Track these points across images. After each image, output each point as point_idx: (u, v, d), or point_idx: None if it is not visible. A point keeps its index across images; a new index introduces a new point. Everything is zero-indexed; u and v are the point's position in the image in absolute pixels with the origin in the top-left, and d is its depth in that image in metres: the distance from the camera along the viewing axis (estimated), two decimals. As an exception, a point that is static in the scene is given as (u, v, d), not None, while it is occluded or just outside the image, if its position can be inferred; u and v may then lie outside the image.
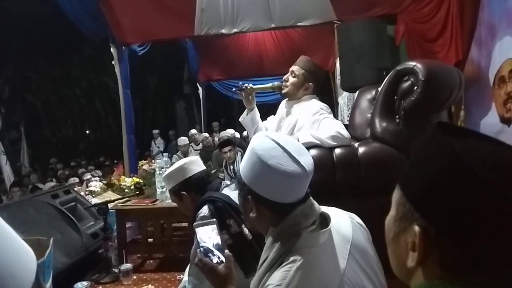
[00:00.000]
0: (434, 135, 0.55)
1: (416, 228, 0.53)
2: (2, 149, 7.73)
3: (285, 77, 2.33)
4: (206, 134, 6.93)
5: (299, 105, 2.30)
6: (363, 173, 2.16)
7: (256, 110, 2.35)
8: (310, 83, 2.29)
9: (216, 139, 7.00)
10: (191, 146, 6.99)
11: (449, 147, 0.51)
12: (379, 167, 2.13)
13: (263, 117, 2.50)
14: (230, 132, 6.82)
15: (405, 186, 0.58)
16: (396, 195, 0.60)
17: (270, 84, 2.38)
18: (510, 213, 0.47)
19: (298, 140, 1.99)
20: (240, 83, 2.35)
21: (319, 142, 2.12)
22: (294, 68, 2.31)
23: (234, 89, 2.33)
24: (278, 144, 1.03)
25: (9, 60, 13.20)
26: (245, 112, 2.41)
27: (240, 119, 2.49)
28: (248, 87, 2.30)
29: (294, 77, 2.30)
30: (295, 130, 2.25)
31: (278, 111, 2.48)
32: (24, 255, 0.43)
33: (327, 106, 2.32)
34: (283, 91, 2.32)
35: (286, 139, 1.07)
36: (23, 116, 13.65)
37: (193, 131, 7.40)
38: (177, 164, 2.01)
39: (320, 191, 1.21)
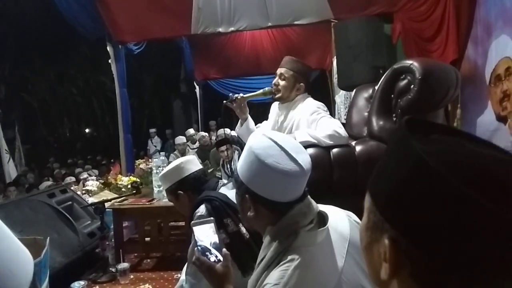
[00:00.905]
0: (400, 137, 0.51)
1: (386, 240, 0.50)
2: (6, 147, 7.68)
3: (274, 81, 2.28)
4: (203, 133, 6.93)
5: (294, 107, 2.28)
6: (360, 171, 2.16)
7: (249, 119, 2.30)
8: (301, 83, 2.26)
9: (213, 137, 6.99)
10: (188, 145, 6.98)
11: (414, 151, 0.47)
12: (376, 165, 2.14)
13: (261, 116, 2.47)
14: (227, 130, 6.80)
15: (374, 193, 0.55)
16: (366, 201, 0.57)
17: (261, 91, 2.32)
18: (481, 221, 0.44)
19: (295, 139, 1.99)
20: (230, 94, 2.28)
21: (316, 141, 2.11)
22: (282, 70, 2.26)
23: (225, 101, 2.26)
24: (276, 142, 1.03)
25: (5, 60, 13.13)
26: (239, 123, 2.36)
27: (235, 131, 2.45)
28: (239, 97, 2.24)
29: (283, 79, 2.26)
30: (293, 130, 2.23)
31: (270, 115, 2.44)
32: (21, 256, 0.43)
33: (323, 105, 2.30)
34: (276, 96, 2.28)
35: (283, 138, 1.07)
36: (20, 116, 13.59)
37: (191, 131, 7.38)
38: (174, 164, 2.01)
39: (317, 190, 1.21)
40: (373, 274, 0.57)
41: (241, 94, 2.28)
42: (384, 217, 0.51)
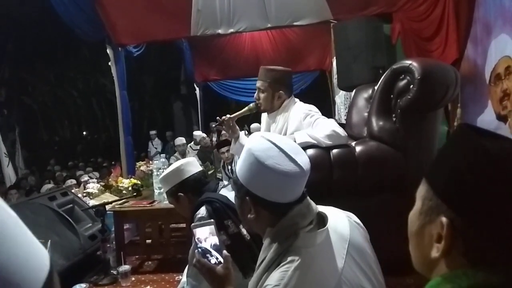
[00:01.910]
0: (461, 133, 0.59)
1: (444, 219, 0.56)
2: (5, 151, 7.69)
3: (255, 96, 2.33)
4: (204, 134, 6.93)
5: (284, 113, 2.29)
6: (360, 172, 2.16)
7: (242, 135, 2.33)
8: (280, 91, 2.27)
9: (214, 139, 6.97)
10: (191, 146, 6.98)
11: (477, 142, 0.55)
12: (376, 166, 2.14)
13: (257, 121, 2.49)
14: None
15: (433, 180, 0.61)
16: (421, 190, 0.63)
17: (246, 108, 2.36)
18: None
19: (295, 141, 1.99)
20: (217, 117, 2.30)
21: (316, 142, 2.12)
22: (259, 84, 2.30)
23: (213, 126, 2.31)
24: (275, 144, 1.03)
25: (5, 62, 13.15)
26: (232, 142, 2.38)
27: (230, 151, 2.47)
28: (226, 118, 2.27)
29: (262, 92, 2.29)
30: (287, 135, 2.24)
31: (262, 124, 2.47)
32: (38, 250, 0.44)
33: (313, 106, 2.30)
34: (261, 109, 2.32)
35: (281, 139, 1.07)
36: (20, 118, 13.61)
37: (200, 133, 7.25)
38: (174, 166, 2.01)
39: (317, 190, 1.22)
40: (420, 256, 0.62)
41: (228, 115, 2.30)
42: (442, 199, 0.57)
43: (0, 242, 0.38)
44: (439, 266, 0.57)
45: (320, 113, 2.26)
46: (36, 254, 0.43)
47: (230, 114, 2.33)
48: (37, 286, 0.40)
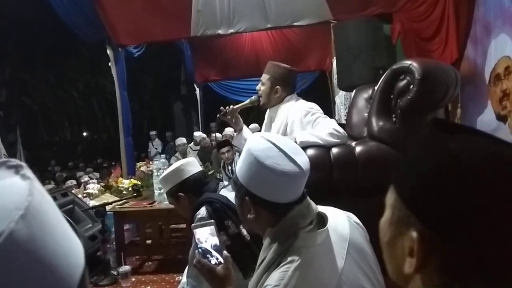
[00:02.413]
0: (429, 134, 0.53)
1: (414, 233, 0.51)
2: (4, 152, 7.68)
3: (257, 87, 2.37)
4: (204, 135, 6.93)
5: (284, 108, 2.30)
6: (360, 172, 2.16)
7: (245, 128, 2.35)
8: (277, 86, 2.29)
9: (215, 135, 6.96)
10: (190, 146, 6.98)
11: (445, 146, 0.49)
12: (376, 166, 2.14)
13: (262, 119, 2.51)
14: (228, 131, 6.81)
15: (401, 188, 0.55)
16: (390, 197, 0.57)
17: (248, 100, 2.39)
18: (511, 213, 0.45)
19: (296, 141, 1.99)
20: (221, 107, 2.33)
21: (319, 141, 2.12)
22: (262, 76, 2.35)
23: (218, 115, 2.32)
24: (274, 144, 1.03)
25: (5, 63, 13.16)
26: (236, 134, 2.40)
27: (233, 142, 2.48)
28: (229, 109, 2.30)
29: (262, 85, 2.33)
30: (288, 133, 2.24)
31: (265, 121, 2.49)
32: (76, 244, 0.45)
33: (315, 104, 2.31)
34: (261, 103, 2.35)
35: (281, 139, 1.07)
36: (20, 119, 13.61)
37: (200, 133, 7.25)
38: (174, 166, 2.01)
39: (317, 191, 1.22)
40: (395, 269, 0.57)
41: (231, 106, 2.33)
42: (412, 211, 0.51)
43: (43, 238, 0.38)
44: (414, 280, 0.53)
45: (321, 111, 2.26)
46: (75, 250, 0.43)
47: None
48: (74, 284, 0.41)
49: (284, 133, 2.25)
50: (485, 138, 0.53)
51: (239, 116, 2.34)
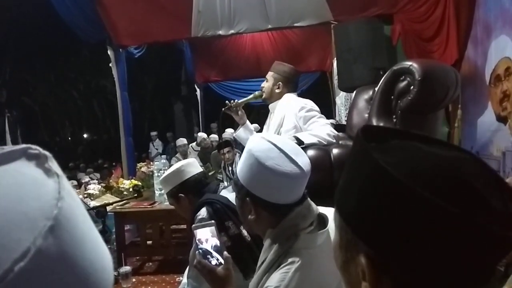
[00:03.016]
0: (359, 149, 0.50)
1: (362, 259, 0.49)
2: None
3: (262, 84, 2.48)
4: (204, 135, 6.93)
5: (282, 103, 2.38)
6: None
7: (248, 123, 2.43)
8: (279, 82, 2.40)
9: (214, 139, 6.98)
10: (191, 147, 6.98)
11: (376, 163, 0.45)
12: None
13: (263, 118, 2.56)
14: (229, 132, 6.82)
15: (342, 209, 0.53)
16: (336, 218, 0.55)
17: (252, 95, 2.49)
18: (451, 228, 0.43)
19: (296, 143, 2.00)
20: (226, 101, 2.42)
21: (321, 140, 2.16)
22: (267, 74, 2.46)
23: (223, 109, 2.40)
24: (275, 145, 1.03)
25: (6, 63, 13.17)
26: (238, 128, 2.46)
27: (234, 134, 2.57)
28: (234, 103, 2.38)
29: (266, 81, 2.45)
30: (283, 127, 2.30)
31: (267, 121, 2.55)
32: (106, 251, 0.39)
33: (310, 101, 2.38)
34: (263, 97, 2.45)
35: (282, 140, 1.07)
36: (21, 119, 13.63)
37: (202, 134, 7.25)
38: (174, 167, 2.02)
39: (317, 192, 1.22)
40: None
41: (236, 100, 2.42)
42: (357, 234, 0.49)
43: (75, 253, 0.32)
44: None
45: (317, 109, 2.33)
46: (106, 261, 0.38)
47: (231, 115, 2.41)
48: None
49: (280, 127, 2.32)
50: (417, 140, 0.51)
51: (243, 111, 2.43)
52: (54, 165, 0.34)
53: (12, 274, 0.27)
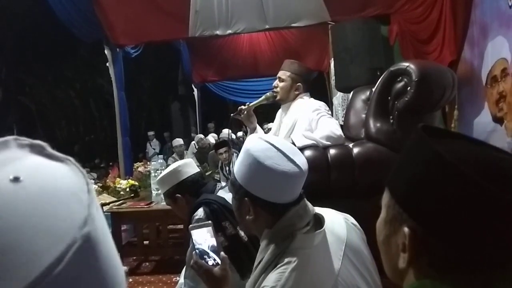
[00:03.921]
0: (417, 138, 0.56)
1: (405, 229, 0.54)
2: None
3: (274, 83, 2.38)
4: (201, 135, 6.92)
5: (296, 105, 2.34)
6: (357, 173, 2.17)
7: (259, 127, 2.37)
8: (299, 83, 2.34)
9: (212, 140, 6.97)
10: (194, 145, 6.96)
11: (432, 148, 0.52)
12: (373, 167, 2.14)
13: (269, 117, 2.53)
14: (225, 132, 6.80)
15: (393, 188, 0.59)
16: (385, 197, 0.61)
17: (263, 97, 2.41)
18: (495, 210, 0.48)
19: (293, 143, 2.00)
20: (239, 107, 2.34)
21: (314, 142, 2.14)
22: (280, 73, 2.36)
23: (232, 114, 2.35)
24: (273, 145, 1.04)
25: (2, 63, 13.11)
26: (249, 133, 2.39)
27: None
28: (245, 107, 2.31)
29: (282, 81, 2.35)
30: (295, 129, 2.27)
31: (276, 117, 2.51)
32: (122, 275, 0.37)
33: (325, 104, 2.36)
34: (277, 98, 2.36)
35: (279, 140, 1.08)
36: (17, 119, 13.57)
37: (201, 135, 7.22)
38: (171, 167, 2.02)
39: (314, 192, 1.22)
40: (390, 266, 0.61)
41: (248, 103, 2.35)
42: (403, 208, 0.55)
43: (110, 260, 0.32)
44: (408, 276, 0.56)
45: (329, 112, 2.32)
46: (122, 281, 0.36)
47: (229, 114, 2.36)
48: None
49: (293, 129, 2.28)
50: (468, 141, 0.57)
51: (254, 115, 2.35)
52: (72, 161, 0.34)
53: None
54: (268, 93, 2.41)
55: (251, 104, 2.35)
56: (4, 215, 0.27)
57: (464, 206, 0.49)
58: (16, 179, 0.29)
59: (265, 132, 2.63)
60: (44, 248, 0.27)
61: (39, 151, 0.34)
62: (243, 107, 2.32)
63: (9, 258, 0.26)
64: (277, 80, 2.37)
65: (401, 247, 0.55)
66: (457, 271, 0.51)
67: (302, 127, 2.23)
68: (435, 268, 0.53)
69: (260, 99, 2.42)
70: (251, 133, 2.36)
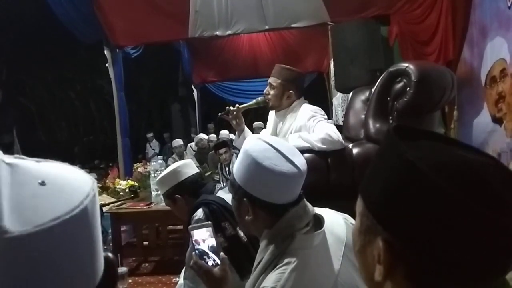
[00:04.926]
0: (390, 143, 0.54)
1: (380, 242, 0.52)
2: (1, 153, 7.66)
3: (265, 90, 2.33)
4: (201, 136, 6.92)
5: (292, 114, 2.29)
6: (357, 174, 2.16)
7: (246, 129, 2.32)
8: (290, 91, 2.27)
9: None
10: (190, 147, 6.96)
11: (403, 156, 0.49)
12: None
13: (260, 120, 2.51)
14: (225, 133, 6.82)
15: (366, 197, 0.56)
16: (359, 206, 0.59)
17: (254, 101, 2.37)
18: (469, 221, 0.46)
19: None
20: (227, 107, 2.30)
21: (309, 144, 2.10)
22: (271, 80, 2.30)
23: (220, 114, 2.30)
24: (271, 145, 1.04)
25: (2, 64, 13.12)
26: (236, 134, 2.37)
27: (234, 144, 2.44)
28: (234, 108, 2.27)
29: (273, 89, 2.29)
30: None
31: (268, 123, 2.45)
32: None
33: (320, 109, 2.30)
34: (269, 105, 2.32)
35: (278, 141, 1.09)
36: (17, 120, 13.57)
37: (201, 135, 7.21)
38: (170, 168, 2.02)
39: (314, 193, 1.22)
40: (367, 277, 0.58)
41: (237, 105, 2.31)
42: (377, 220, 0.52)
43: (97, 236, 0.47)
44: None
45: (325, 116, 2.25)
46: (95, 271, 0.49)
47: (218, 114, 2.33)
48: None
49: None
50: (443, 142, 0.54)
51: (242, 117, 2.31)
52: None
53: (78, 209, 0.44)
54: (259, 98, 2.35)
55: (241, 106, 2.31)
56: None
57: (439, 218, 0.47)
58: (43, 183, 0.44)
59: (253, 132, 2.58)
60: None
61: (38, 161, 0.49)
62: (231, 108, 2.28)
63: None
64: (268, 87, 2.32)
65: (376, 258, 0.53)
66: (434, 284, 0.49)
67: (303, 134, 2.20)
68: (412, 281, 0.50)
69: (251, 102, 2.38)
70: (239, 135, 2.33)
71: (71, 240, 0.43)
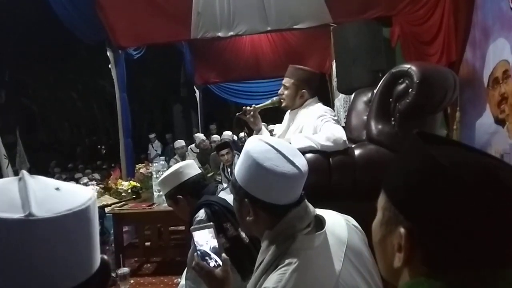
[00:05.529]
0: (413, 143, 0.60)
1: (402, 229, 0.57)
2: (4, 152, 7.67)
3: (279, 91, 2.40)
4: (203, 137, 6.93)
5: (304, 111, 2.33)
6: (358, 175, 2.16)
7: (263, 129, 2.38)
8: (303, 90, 2.33)
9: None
10: (190, 148, 6.97)
11: (426, 152, 0.56)
12: (375, 169, 2.13)
13: (272, 120, 2.52)
14: (227, 134, 6.82)
15: (389, 191, 0.62)
16: (381, 200, 0.65)
17: (269, 101, 2.44)
18: (485, 210, 0.51)
19: (291, 143, 1.99)
20: (243, 107, 2.37)
21: (313, 144, 2.10)
22: (285, 80, 2.37)
23: (237, 114, 2.37)
24: (272, 146, 1.04)
25: (5, 65, 13.17)
26: (254, 134, 2.40)
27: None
28: (251, 108, 2.33)
29: (286, 89, 2.36)
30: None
31: (284, 121, 2.51)
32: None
33: (331, 110, 2.35)
34: (282, 105, 2.38)
35: (279, 142, 1.09)
36: (20, 120, 13.62)
37: (201, 135, 7.21)
38: (172, 168, 2.02)
39: (315, 194, 1.22)
40: (385, 265, 0.64)
41: (253, 105, 2.37)
42: (399, 210, 0.58)
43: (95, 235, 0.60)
44: (403, 275, 0.59)
45: (335, 118, 2.28)
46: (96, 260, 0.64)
47: (230, 116, 2.36)
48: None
49: None
50: (460, 147, 0.61)
51: (259, 116, 2.37)
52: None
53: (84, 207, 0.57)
54: (274, 98, 2.42)
55: (257, 106, 2.38)
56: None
57: (458, 207, 0.52)
58: (57, 189, 0.58)
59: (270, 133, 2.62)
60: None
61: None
62: (248, 107, 2.34)
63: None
64: (282, 88, 2.39)
65: (396, 247, 0.58)
66: (451, 269, 0.54)
67: (307, 134, 2.21)
68: (430, 267, 0.55)
69: (267, 102, 2.44)
70: (256, 134, 2.35)
71: (76, 228, 0.56)
